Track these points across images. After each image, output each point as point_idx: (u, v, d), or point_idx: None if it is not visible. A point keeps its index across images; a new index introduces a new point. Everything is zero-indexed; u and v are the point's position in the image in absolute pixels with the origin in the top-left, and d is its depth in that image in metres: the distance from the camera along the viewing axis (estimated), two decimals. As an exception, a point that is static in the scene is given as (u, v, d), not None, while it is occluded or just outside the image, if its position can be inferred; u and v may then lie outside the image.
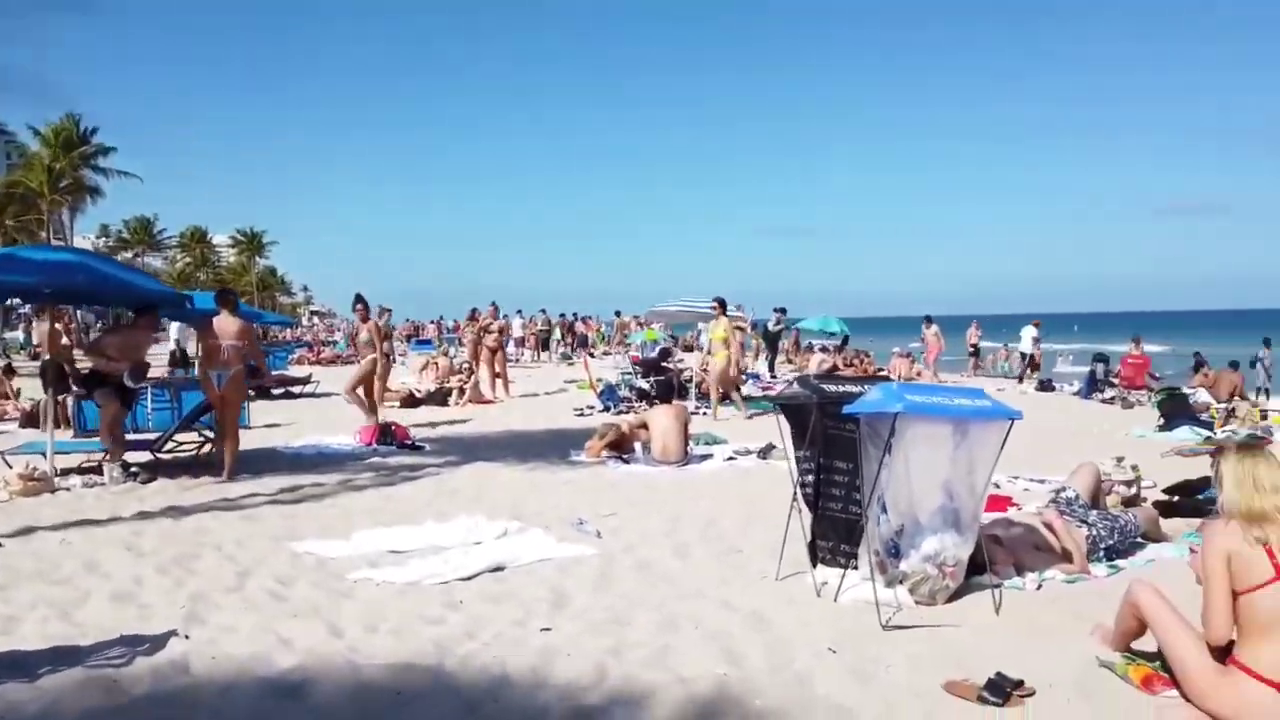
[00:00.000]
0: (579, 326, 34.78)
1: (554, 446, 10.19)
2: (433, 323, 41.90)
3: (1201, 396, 14.11)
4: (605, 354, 28.84)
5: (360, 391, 11.63)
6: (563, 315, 35.26)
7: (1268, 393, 18.39)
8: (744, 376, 18.39)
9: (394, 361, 17.63)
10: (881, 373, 20.92)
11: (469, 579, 5.09)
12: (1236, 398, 14.92)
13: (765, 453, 9.23)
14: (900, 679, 3.63)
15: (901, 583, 4.56)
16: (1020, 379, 22.01)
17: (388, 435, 10.58)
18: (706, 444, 10.05)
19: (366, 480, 8.27)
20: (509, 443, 10.68)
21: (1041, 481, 7.52)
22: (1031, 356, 22.56)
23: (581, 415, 13.60)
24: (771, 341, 22.66)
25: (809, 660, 3.84)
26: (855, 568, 4.76)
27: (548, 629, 4.27)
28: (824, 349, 27.12)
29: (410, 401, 15.12)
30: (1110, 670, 3.63)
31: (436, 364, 18.16)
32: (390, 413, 12.91)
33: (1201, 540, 3.61)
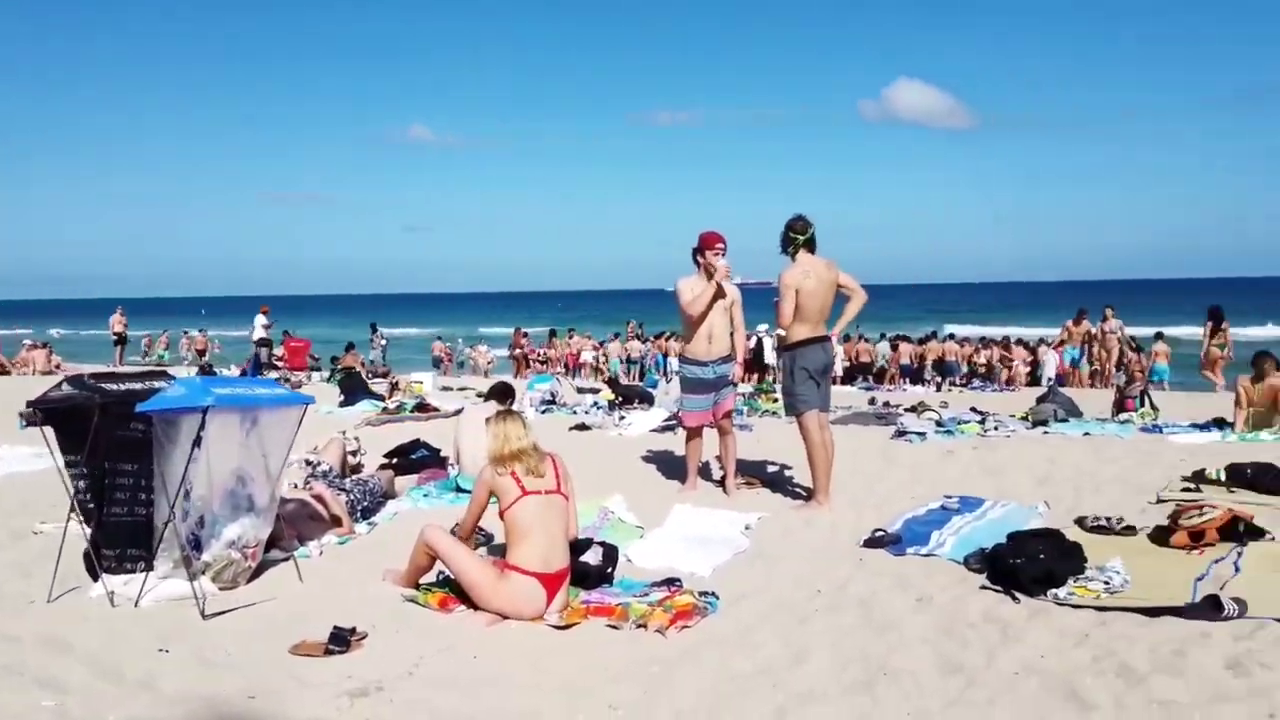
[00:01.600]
0: None
1: None
2: None
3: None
4: None
5: None
6: None
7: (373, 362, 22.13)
8: None
9: None
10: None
11: None
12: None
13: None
14: (248, 655, 3.84)
15: (204, 573, 4.64)
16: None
17: None
18: None
19: None
20: None
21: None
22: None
23: None
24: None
25: (144, 665, 3.74)
26: (152, 569, 4.64)
27: None
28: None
29: None
30: (415, 603, 4.44)
31: None
32: None
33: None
